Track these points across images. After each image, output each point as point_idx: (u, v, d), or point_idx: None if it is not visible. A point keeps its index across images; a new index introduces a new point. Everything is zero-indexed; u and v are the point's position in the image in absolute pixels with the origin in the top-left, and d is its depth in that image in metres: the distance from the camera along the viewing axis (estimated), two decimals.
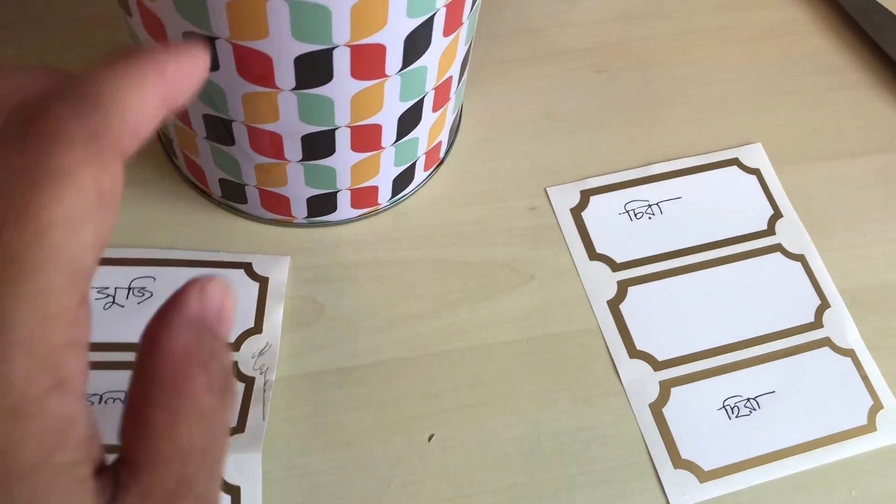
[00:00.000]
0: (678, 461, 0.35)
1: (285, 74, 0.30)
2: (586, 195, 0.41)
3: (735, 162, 0.43)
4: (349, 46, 0.29)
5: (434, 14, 0.30)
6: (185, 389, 0.17)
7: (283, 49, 0.29)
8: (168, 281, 0.36)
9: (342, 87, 0.31)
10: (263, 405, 0.33)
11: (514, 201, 0.41)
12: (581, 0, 0.47)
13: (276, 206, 0.38)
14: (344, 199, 0.38)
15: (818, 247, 0.41)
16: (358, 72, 0.31)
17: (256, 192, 0.37)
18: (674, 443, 0.35)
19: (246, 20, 0.28)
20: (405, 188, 0.40)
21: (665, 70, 0.46)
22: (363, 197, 0.38)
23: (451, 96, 0.37)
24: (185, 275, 0.36)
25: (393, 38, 0.30)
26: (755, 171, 0.42)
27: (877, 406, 0.37)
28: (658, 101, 0.44)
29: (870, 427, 0.36)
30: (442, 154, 0.41)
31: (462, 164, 0.42)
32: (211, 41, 0.29)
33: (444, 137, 0.40)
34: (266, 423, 0.33)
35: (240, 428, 0.33)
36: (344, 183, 0.37)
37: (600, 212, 0.40)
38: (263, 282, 0.37)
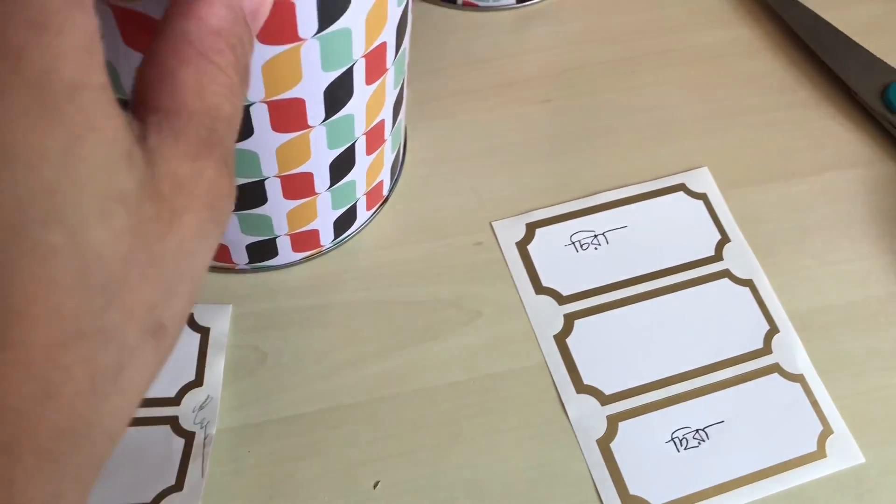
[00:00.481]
0: (626, 497, 0.35)
1: None
2: (532, 228, 0.41)
3: (681, 187, 0.42)
4: (266, 102, 0.29)
5: (353, 65, 0.30)
6: (215, 60, 0.18)
7: None
8: None
9: (265, 140, 0.31)
10: (203, 461, 0.33)
11: (460, 237, 0.41)
12: (526, 30, 0.47)
13: (217, 255, 0.38)
14: (284, 244, 0.38)
15: (766, 270, 0.40)
16: (279, 125, 0.30)
17: None
18: (622, 478, 0.35)
19: None
20: (348, 228, 0.40)
21: (611, 97, 0.45)
22: (304, 240, 0.38)
23: (385, 138, 0.37)
24: None
25: (311, 92, 0.30)
26: (702, 196, 0.42)
27: (826, 431, 0.37)
28: (605, 129, 0.44)
29: (820, 453, 0.36)
30: (385, 192, 0.41)
31: (407, 201, 0.42)
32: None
33: (385, 176, 0.40)
34: (205, 480, 0.33)
35: (178, 486, 0.33)
36: (282, 229, 0.37)
37: (546, 244, 0.40)
38: (205, 332, 0.37)
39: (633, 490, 0.35)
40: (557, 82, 0.46)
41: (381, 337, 0.38)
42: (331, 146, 0.33)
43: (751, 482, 0.35)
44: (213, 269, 0.39)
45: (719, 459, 0.36)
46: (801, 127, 0.45)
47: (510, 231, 0.41)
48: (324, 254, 0.40)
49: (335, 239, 0.40)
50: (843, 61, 0.46)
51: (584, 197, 0.42)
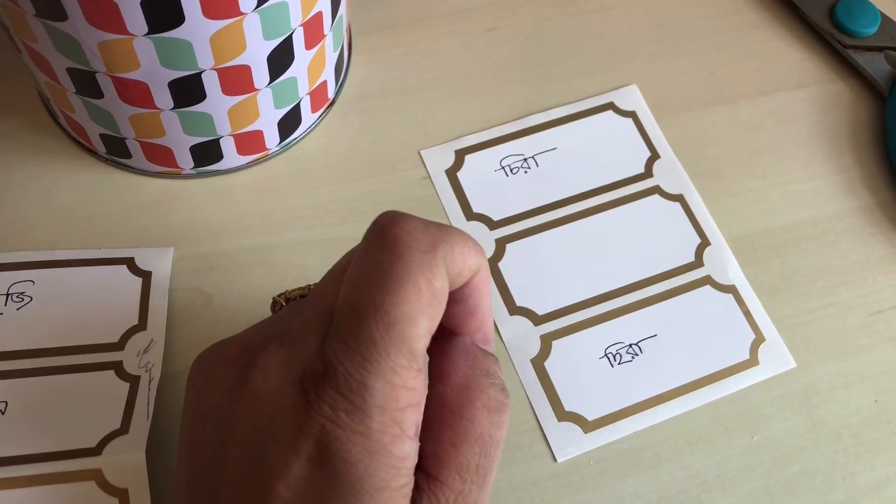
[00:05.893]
0: (562, 414, 0.35)
1: (135, 19, 0.29)
2: (461, 154, 0.40)
3: (610, 106, 0.42)
4: None
5: None
6: (466, 414, 0.23)
7: None
8: (48, 283, 0.35)
9: (197, 28, 0.30)
10: (148, 404, 0.33)
11: (407, 171, 0.40)
12: None
13: (161, 158, 0.37)
14: (228, 146, 0.37)
15: (716, 193, 0.40)
16: (210, 11, 0.30)
17: (138, 145, 0.37)
18: (557, 396, 0.35)
19: None
20: (294, 131, 0.39)
21: (556, 24, 0.45)
22: (249, 142, 0.38)
23: (325, 32, 0.36)
24: (65, 276, 0.36)
25: None
26: (631, 114, 0.42)
27: (759, 339, 0.37)
28: (549, 58, 0.44)
29: (752, 361, 0.37)
30: (331, 95, 0.40)
31: (351, 126, 0.41)
32: None
33: (328, 76, 0.39)
34: (150, 423, 0.32)
35: (124, 429, 0.32)
36: (224, 129, 0.36)
37: (476, 171, 0.40)
38: (146, 276, 0.36)
39: (569, 407, 0.35)
40: (502, 10, 0.45)
41: None
42: (267, 36, 0.32)
43: (685, 393, 0.36)
44: (159, 174, 0.38)
45: (653, 372, 0.36)
46: (750, 49, 0.45)
47: (439, 159, 0.40)
48: (270, 157, 0.39)
49: (281, 142, 0.39)
50: None
51: (512, 121, 0.41)
